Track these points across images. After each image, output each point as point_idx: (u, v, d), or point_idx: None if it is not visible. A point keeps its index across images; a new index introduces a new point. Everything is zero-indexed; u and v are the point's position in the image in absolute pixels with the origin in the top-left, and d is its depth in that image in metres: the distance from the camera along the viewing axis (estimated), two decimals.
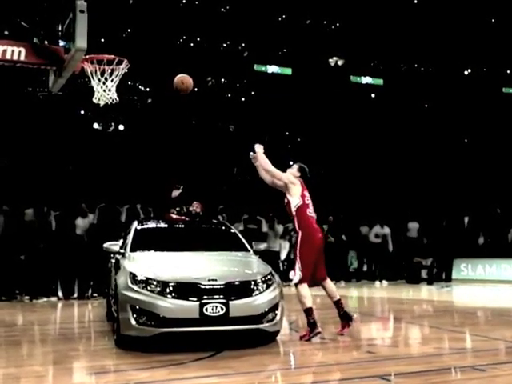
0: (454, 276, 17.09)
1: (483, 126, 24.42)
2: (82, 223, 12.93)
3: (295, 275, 7.14)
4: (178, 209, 9.51)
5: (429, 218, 17.84)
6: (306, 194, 7.35)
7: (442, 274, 17.02)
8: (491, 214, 18.14)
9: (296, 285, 7.21)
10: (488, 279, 16.63)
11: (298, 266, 7.12)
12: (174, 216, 9.22)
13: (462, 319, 9.68)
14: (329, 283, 7.52)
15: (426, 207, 19.14)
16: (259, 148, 7.51)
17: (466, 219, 17.98)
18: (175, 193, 10.23)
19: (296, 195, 7.25)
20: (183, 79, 7.60)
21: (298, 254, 7.19)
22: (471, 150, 24.40)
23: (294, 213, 7.25)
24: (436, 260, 16.96)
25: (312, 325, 7.11)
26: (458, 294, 15.18)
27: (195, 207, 9.53)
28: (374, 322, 9.65)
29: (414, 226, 17.25)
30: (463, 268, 17.34)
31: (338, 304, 7.52)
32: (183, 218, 9.15)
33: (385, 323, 9.58)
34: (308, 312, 7.14)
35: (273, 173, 7.40)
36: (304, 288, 7.16)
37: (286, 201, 7.37)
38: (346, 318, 7.48)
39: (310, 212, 7.29)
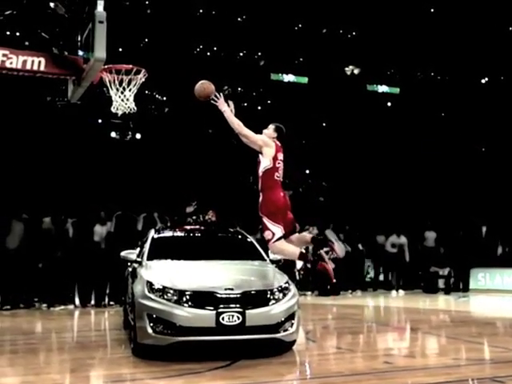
0: (471, 286, 16.92)
1: (500, 135, 24.22)
2: (100, 230, 13.02)
3: (273, 231, 6.44)
4: (194, 217, 9.60)
5: (446, 227, 17.69)
6: (280, 156, 6.94)
7: (459, 284, 16.86)
8: (509, 223, 17.96)
9: (275, 242, 6.43)
10: (506, 289, 16.43)
11: (269, 224, 6.48)
12: (189, 227, 9.27)
13: (479, 329, 9.56)
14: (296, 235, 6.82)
15: (443, 216, 18.99)
16: (223, 106, 7.01)
17: (484, 228, 17.82)
18: (189, 209, 10.35)
19: (268, 157, 6.86)
20: (210, 82, 7.41)
21: (263, 214, 6.59)
22: (488, 158, 24.20)
23: (260, 174, 6.87)
24: (453, 269, 16.81)
25: (318, 258, 6.40)
26: (475, 304, 15.05)
27: (211, 216, 9.61)
28: (390, 331, 9.60)
29: (430, 235, 17.13)
30: (481, 278, 17.16)
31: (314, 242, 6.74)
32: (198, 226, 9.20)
33: (401, 333, 9.52)
34: (303, 257, 6.55)
35: (247, 136, 7.03)
36: (283, 243, 6.48)
37: (258, 160, 6.98)
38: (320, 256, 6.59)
39: (278, 176, 6.85)
